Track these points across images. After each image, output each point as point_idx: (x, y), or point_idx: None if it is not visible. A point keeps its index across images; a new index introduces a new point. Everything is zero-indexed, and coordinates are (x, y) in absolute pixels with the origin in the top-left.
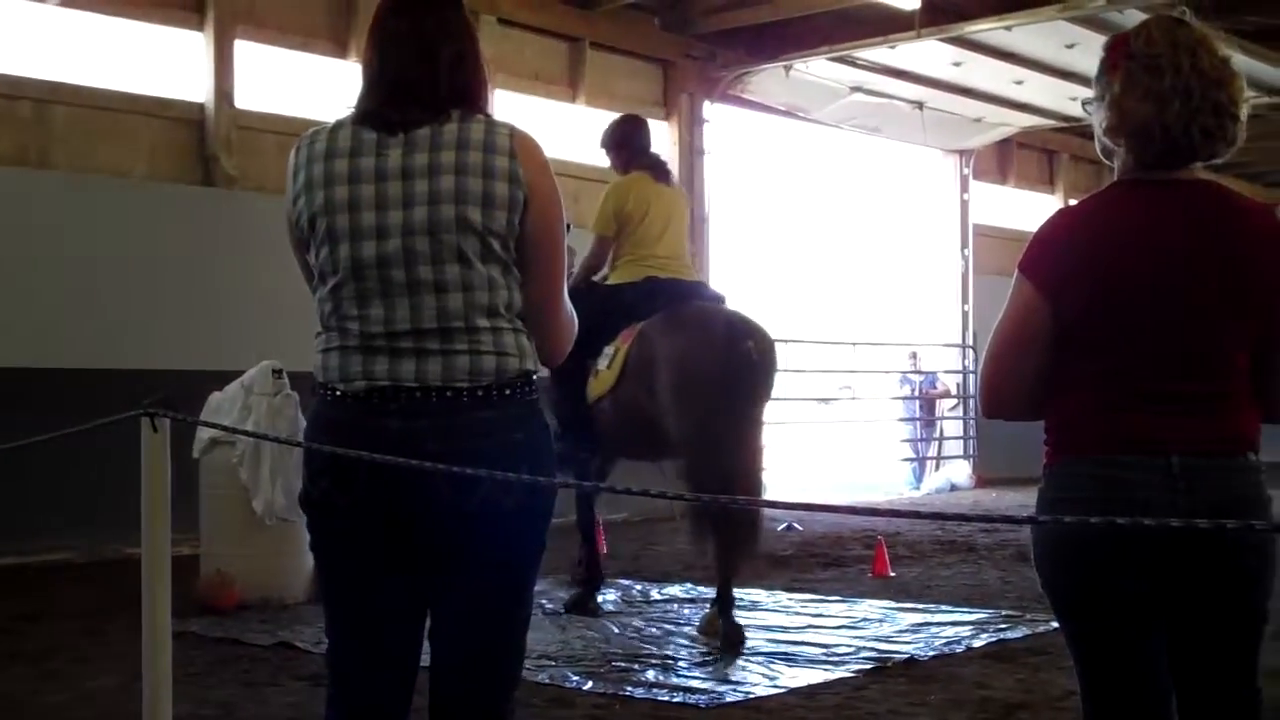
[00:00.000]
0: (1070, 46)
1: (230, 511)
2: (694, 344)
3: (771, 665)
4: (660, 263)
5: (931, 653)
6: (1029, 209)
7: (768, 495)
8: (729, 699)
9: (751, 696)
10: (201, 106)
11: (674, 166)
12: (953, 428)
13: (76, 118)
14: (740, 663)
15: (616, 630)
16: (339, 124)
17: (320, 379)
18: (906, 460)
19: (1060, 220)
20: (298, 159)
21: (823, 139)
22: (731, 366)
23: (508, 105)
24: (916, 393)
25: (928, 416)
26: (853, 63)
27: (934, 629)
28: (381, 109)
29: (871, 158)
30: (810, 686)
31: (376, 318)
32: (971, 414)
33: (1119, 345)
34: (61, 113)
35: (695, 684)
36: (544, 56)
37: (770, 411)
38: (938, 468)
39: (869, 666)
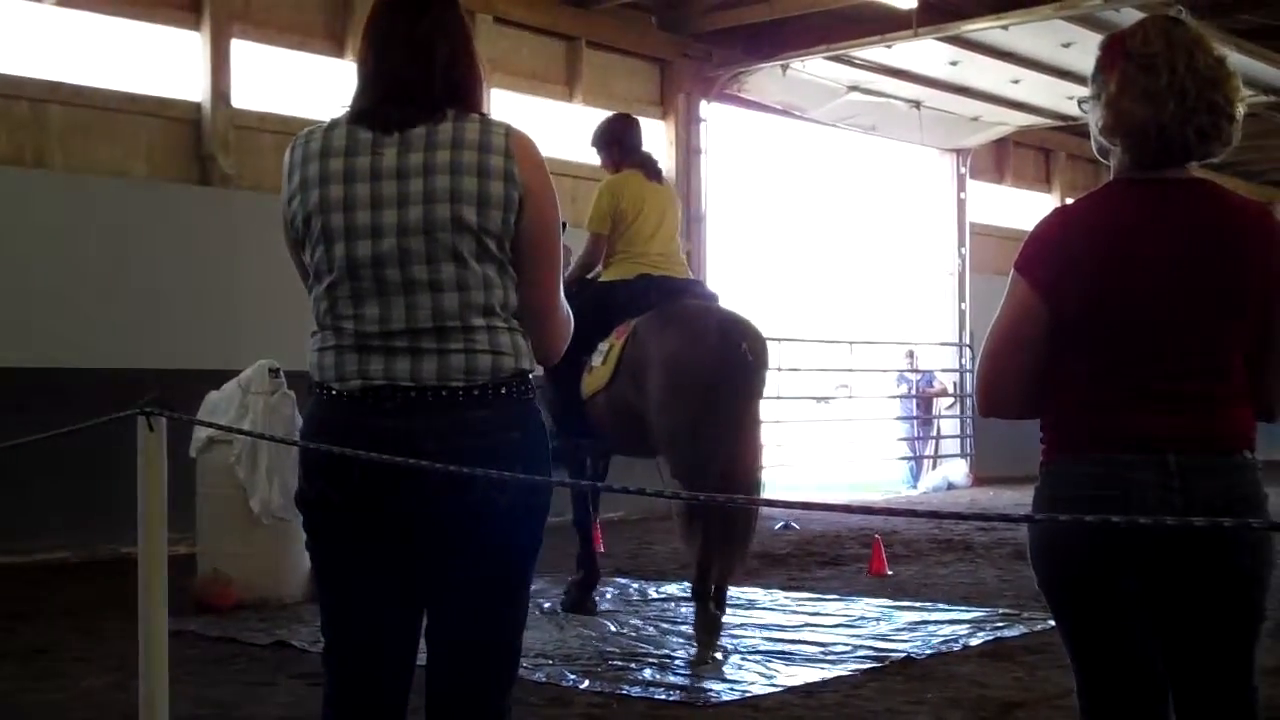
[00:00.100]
0: (1067, 45)
1: (227, 511)
2: (686, 341)
3: (769, 664)
4: (653, 260)
5: (929, 651)
6: (1026, 208)
7: (764, 494)
8: (726, 698)
9: (748, 695)
10: (198, 106)
11: (671, 165)
12: (950, 426)
13: (73, 117)
14: (737, 661)
15: (614, 629)
16: (334, 123)
17: (316, 378)
18: (903, 459)
19: (1056, 219)
20: (293, 158)
21: (820, 138)
22: (727, 366)
23: (504, 104)
24: (913, 391)
25: (925, 415)
26: (850, 62)
27: (931, 627)
28: (377, 108)
29: (868, 157)
30: (807, 685)
31: (372, 317)
32: (968, 413)
33: (1115, 344)
34: (58, 112)
35: (692, 683)
36: (540, 56)
37: (767, 410)
38: (935, 466)
39: (866, 665)
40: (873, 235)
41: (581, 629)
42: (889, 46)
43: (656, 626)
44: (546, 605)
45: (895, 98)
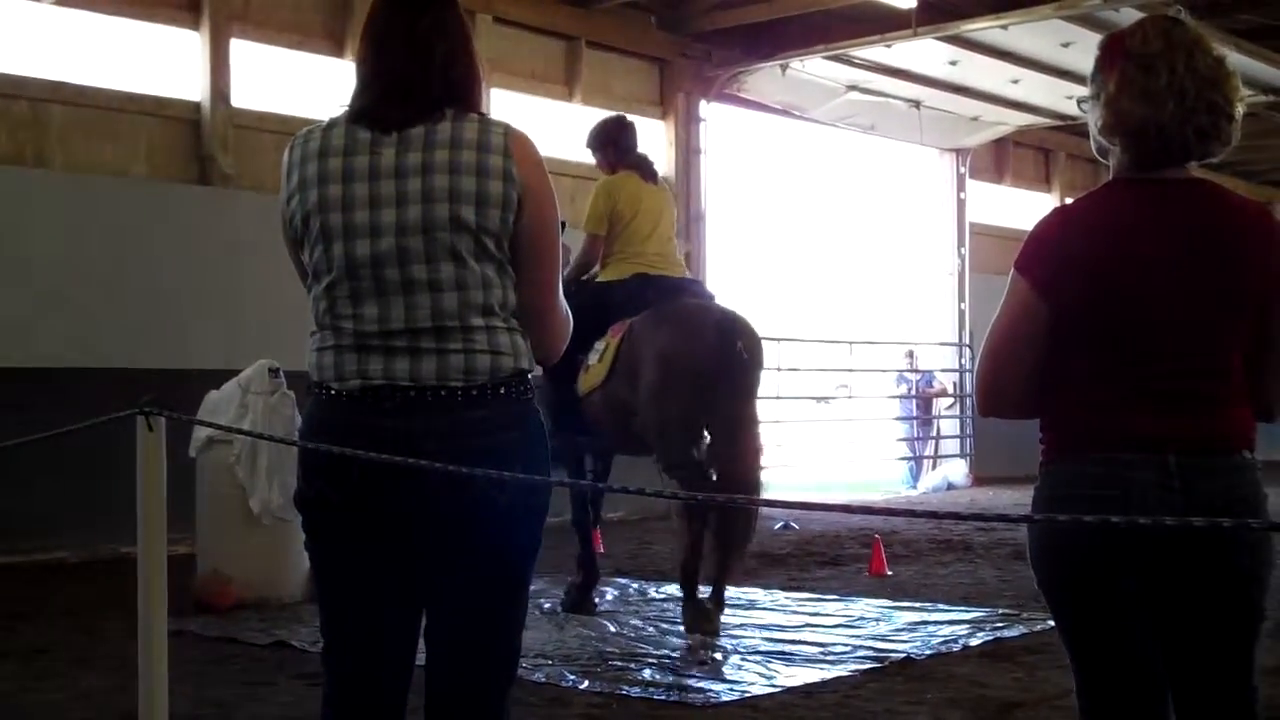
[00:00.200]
0: (1066, 45)
1: (227, 511)
2: (682, 339)
3: (768, 664)
4: (650, 260)
5: (928, 651)
6: (1025, 208)
7: (764, 494)
8: (725, 698)
9: (748, 695)
10: (198, 105)
11: (670, 165)
12: (949, 426)
13: (73, 117)
14: (737, 661)
15: (613, 629)
16: (333, 122)
17: (315, 378)
18: (903, 459)
19: (1056, 219)
20: (291, 157)
21: (819, 138)
22: (723, 364)
23: (504, 104)
24: (913, 391)
25: (924, 415)
26: (849, 61)
27: (931, 628)
28: (375, 107)
29: (868, 157)
30: (807, 685)
31: (371, 316)
32: (968, 413)
33: (1115, 343)
34: (58, 112)
35: (692, 683)
36: (540, 55)
37: (767, 410)
38: (934, 466)
39: (866, 665)
40: (872, 235)
41: (581, 629)
42: (888, 46)
43: (656, 627)
44: (546, 605)
45: (895, 97)
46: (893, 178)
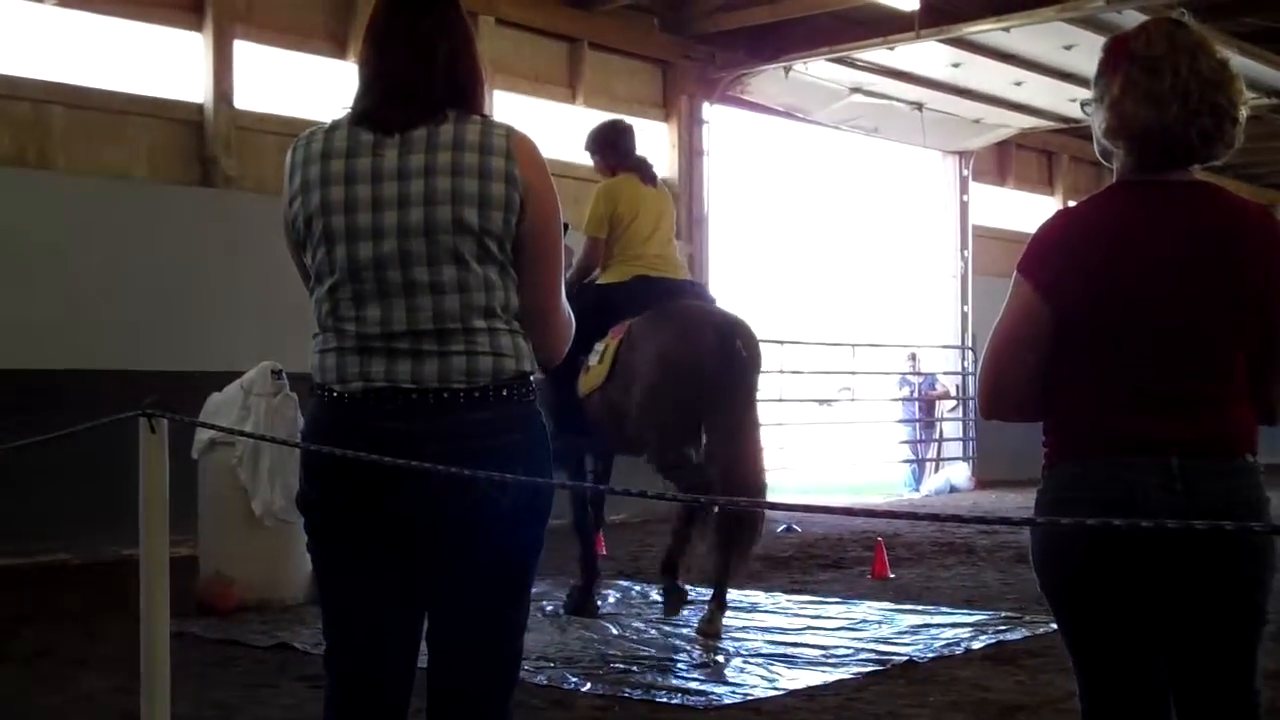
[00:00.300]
0: (1069, 48)
1: (229, 513)
2: (681, 340)
3: (770, 667)
4: (650, 262)
5: (931, 654)
6: (1028, 210)
7: (767, 496)
8: (727, 700)
9: (750, 698)
10: (200, 107)
11: (673, 167)
12: (952, 429)
13: (75, 118)
14: (739, 664)
15: (615, 631)
16: (335, 124)
17: (317, 380)
18: (906, 462)
19: (1059, 221)
20: (294, 159)
21: (822, 140)
22: (722, 366)
23: (506, 106)
24: (916, 394)
25: (927, 418)
26: (852, 64)
27: (933, 630)
28: (378, 109)
29: (871, 159)
30: (809, 688)
31: (373, 319)
32: (971, 415)
33: (1117, 346)
34: (60, 113)
35: (694, 685)
36: (543, 57)
37: (769, 413)
38: (937, 469)
39: (868, 668)
40: (875, 238)
41: (583, 631)
42: (891, 48)
43: (658, 629)
44: (548, 608)
45: (897, 100)
46: (895, 180)
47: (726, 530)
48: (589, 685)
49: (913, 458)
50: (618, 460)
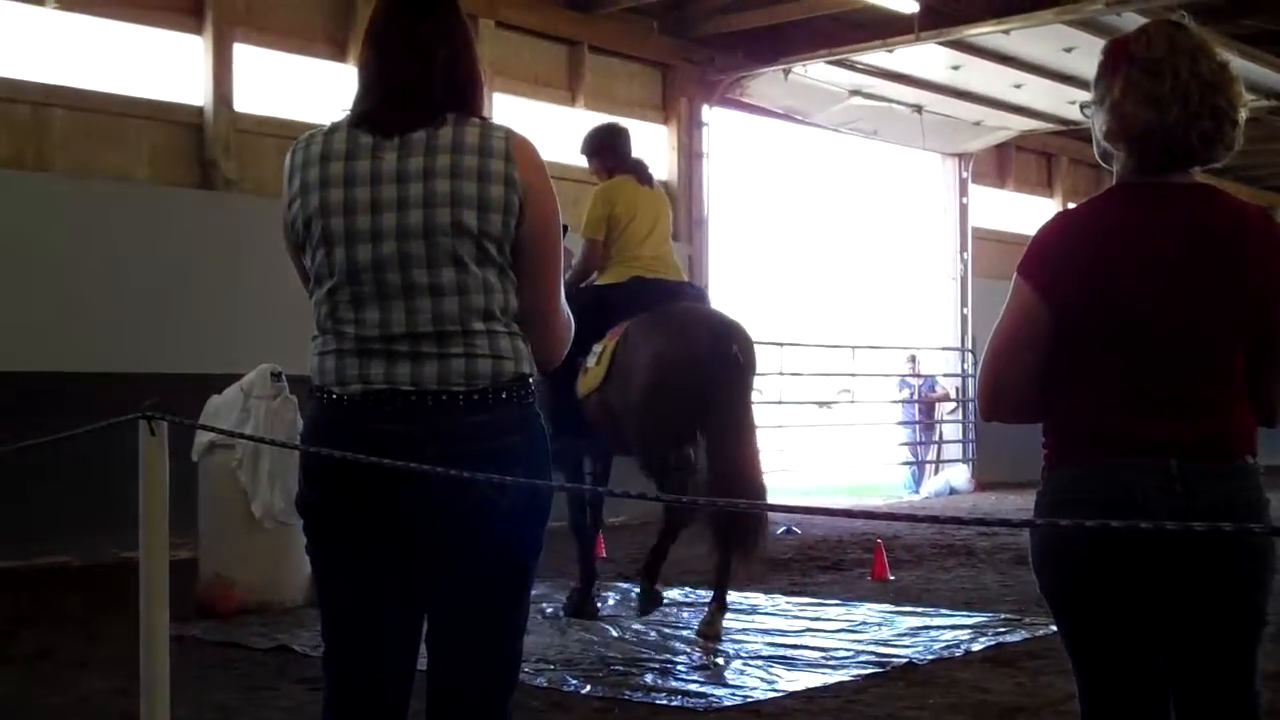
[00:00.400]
0: (1068, 50)
1: (229, 515)
2: (676, 342)
3: (770, 669)
4: (647, 263)
5: (930, 656)
6: (1028, 212)
7: (766, 498)
8: (727, 703)
9: (750, 700)
10: (200, 110)
11: (673, 170)
12: (952, 431)
13: (75, 121)
14: (739, 666)
15: (615, 634)
16: (335, 127)
17: (316, 382)
18: (905, 464)
19: (1059, 223)
20: (293, 162)
21: (822, 142)
22: (717, 368)
23: (506, 109)
24: (915, 396)
25: (927, 420)
26: (851, 66)
27: (933, 632)
28: (377, 112)
29: (870, 161)
30: (809, 690)
31: (372, 321)
32: (971, 417)
33: (1117, 348)
34: (60, 116)
35: (693, 688)
36: (543, 60)
37: (769, 415)
38: (937, 471)
39: (868, 670)
40: (874, 240)
41: (583, 634)
42: (891, 51)
43: (658, 631)
44: (548, 610)
45: (897, 102)
46: (895, 182)
47: (724, 532)
48: (589, 687)
49: (912, 460)
50: (617, 462)
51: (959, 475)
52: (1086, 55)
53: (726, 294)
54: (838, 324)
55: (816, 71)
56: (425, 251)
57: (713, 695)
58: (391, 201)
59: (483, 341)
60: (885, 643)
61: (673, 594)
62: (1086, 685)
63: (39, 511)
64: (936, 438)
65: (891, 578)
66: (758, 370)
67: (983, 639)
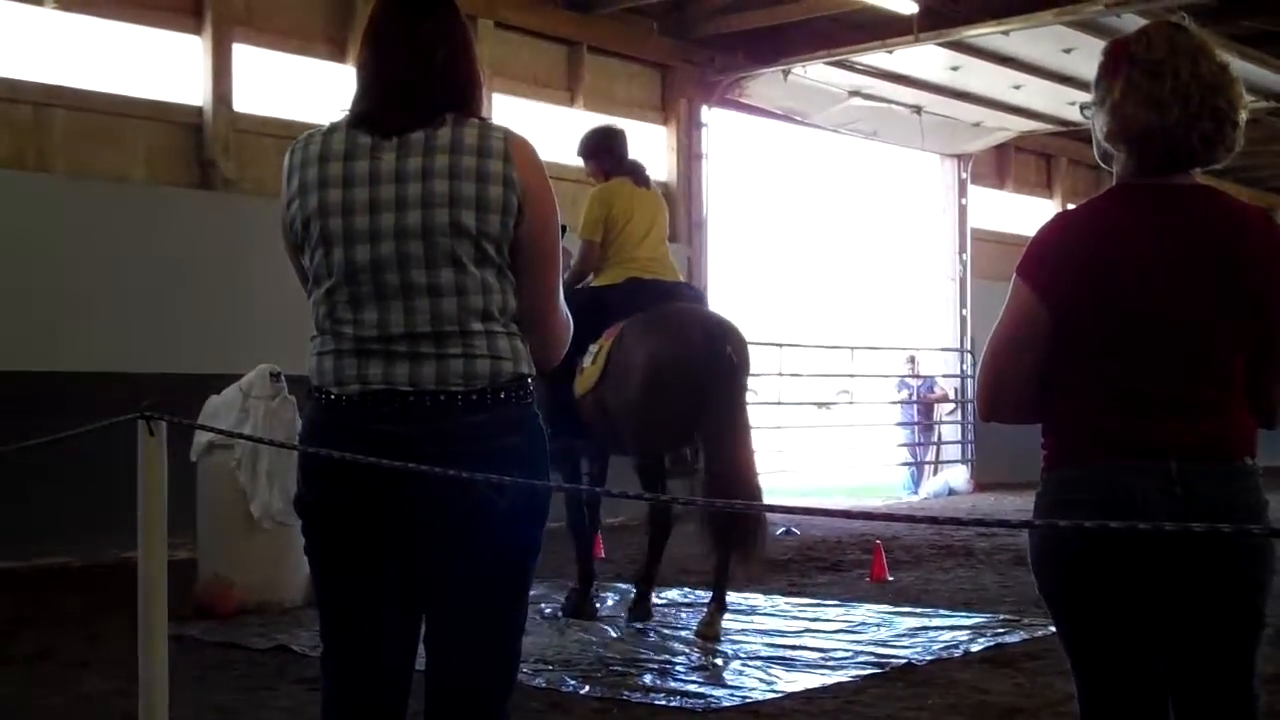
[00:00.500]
0: (1068, 51)
1: (228, 515)
2: (670, 342)
3: (769, 670)
4: (643, 264)
5: (929, 657)
6: (1027, 213)
7: (765, 499)
8: (726, 704)
9: (749, 701)
10: (199, 110)
11: (672, 171)
12: (951, 432)
13: (74, 121)
14: (737, 667)
15: (614, 634)
16: (333, 127)
17: (315, 382)
18: (904, 465)
19: (1059, 224)
20: (292, 162)
21: (821, 143)
22: (712, 368)
23: (506, 109)
24: (914, 397)
25: (926, 421)
26: (851, 67)
27: (932, 633)
28: (376, 112)
29: (869, 162)
30: (808, 691)
31: (370, 321)
32: (970, 418)
33: (1117, 349)
34: (59, 116)
35: (692, 688)
36: (542, 61)
37: (768, 415)
38: (936, 472)
39: (867, 671)
40: (873, 241)
41: (581, 634)
42: (890, 52)
43: (657, 632)
44: (547, 610)
45: (896, 103)
46: (894, 183)
47: (722, 533)
48: (587, 688)
49: (911, 460)
50: (617, 463)
51: (958, 476)
52: (1086, 56)
53: (726, 295)
54: (837, 325)
55: (816, 72)
56: (424, 252)
57: (711, 696)
58: (390, 202)
59: (481, 342)
60: (884, 643)
61: (671, 594)
62: (1085, 686)
63: (39, 512)
64: (935, 439)
65: (890, 578)
66: (752, 371)
67: (982, 640)
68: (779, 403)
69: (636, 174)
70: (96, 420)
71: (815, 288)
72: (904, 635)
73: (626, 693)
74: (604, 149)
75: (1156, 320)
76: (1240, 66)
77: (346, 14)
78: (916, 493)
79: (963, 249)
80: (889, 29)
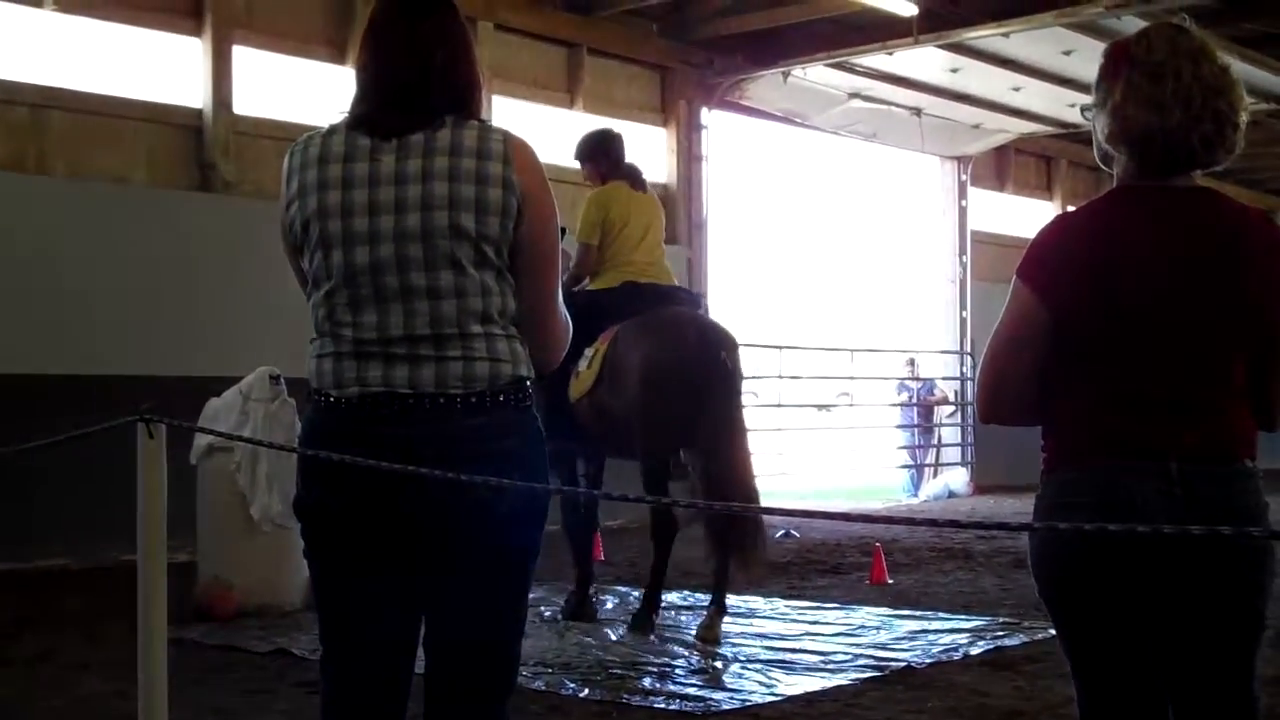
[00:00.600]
0: (1068, 53)
1: (228, 518)
2: (665, 346)
3: (769, 672)
4: (639, 268)
5: (929, 660)
6: (1027, 215)
7: (763, 502)
8: (726, 707)
9: (748, 704)
10: (199, 112)
11: (672, 173)
12: (950, 434)
13: (73, 123)
14: (737, 670)
15: (613, 637)
16: (333, 129)
17: (314, 385)
18: (904, 467)
19: (1059, 226)
20: (291, 164)
21: (821, 145)
22: (706, 372)
23: (505, 111)
24: (914, 399)
25: (926, 423)
26: (851, 69)
27: (931, 636)
28: (375, 114)
29: (869, 164)
30: (807, 694)
31: (370, 324)
32: (969, 421)
33: (1117, 351)
34: (59, 118)
35: (692, 691)
36: (542, 63)
37: (768, 417)
38: (935, 475)
39: (867, 674)
40: (873, 243)
41: (581, 637)
42: (890, 54)
43: (656, 635)
44: (546, 613)
45: (896, 105)
46: (894, 185)
47: (721, 536)
48: (587, 691)
49: (911, 463)
50: (616, 465)
51: (958, 478)
52: (1086, 58)
53: (726, 297)
54: (837, 327)
55: (815, 74)
56: (423, 254)
57: (711, 699)
58: (389, 204)
59: (480, 344)
60: (884, 646)
61: (671, 597)
62: (1085, 689)
63: (39, 514)
64: (935, 441)
65: (890, 581)
66: (751, 374)
67: (981, 642)
68: (779, 405)
69: (633, 177)
70: (96, 422)
71: (815, 290)
72: (903, 638)
73: (626, 696)
74: (601, 152)
75: (1156, 322)
76: (1241, 68)
77: (346, 16)
78: (916, 495)
79: (962, 251)
80: (889, 31)
